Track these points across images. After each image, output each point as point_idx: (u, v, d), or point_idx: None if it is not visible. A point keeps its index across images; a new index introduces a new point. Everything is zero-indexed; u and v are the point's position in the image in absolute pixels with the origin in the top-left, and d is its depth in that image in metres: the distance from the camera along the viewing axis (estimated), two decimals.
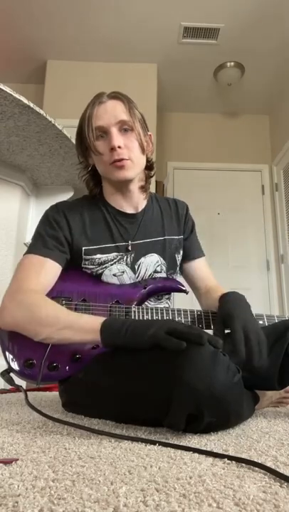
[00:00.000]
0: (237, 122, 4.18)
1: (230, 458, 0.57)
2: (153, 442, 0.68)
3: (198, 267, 1.23)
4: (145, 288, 1.06)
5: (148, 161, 1.13)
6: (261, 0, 2.89)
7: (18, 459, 0.57)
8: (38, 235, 1.05)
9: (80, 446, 0.66)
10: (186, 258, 1.21)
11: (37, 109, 1.43)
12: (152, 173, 1.17)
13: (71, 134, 1.61)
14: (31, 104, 1.41)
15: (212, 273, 1.24)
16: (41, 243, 1.03)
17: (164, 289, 1.10)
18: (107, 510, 0.39)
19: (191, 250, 1.22)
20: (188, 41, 3.28)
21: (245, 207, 3.99)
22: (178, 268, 1.17)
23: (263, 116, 4.20)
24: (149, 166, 1.14)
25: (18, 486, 0.46)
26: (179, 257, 1.17)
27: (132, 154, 1.03)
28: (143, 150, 1.07)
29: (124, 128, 1.03)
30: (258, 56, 3.41)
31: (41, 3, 2.99)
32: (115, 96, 1.05)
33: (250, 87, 3.79)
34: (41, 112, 1.45)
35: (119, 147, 1.00)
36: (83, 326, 0.85)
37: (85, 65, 3.56)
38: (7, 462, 0.55)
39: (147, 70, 3.56)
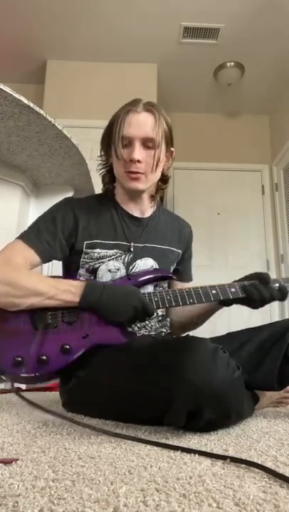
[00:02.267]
0: (237, 122, 4.18)
1: (230, 459, 0.57)
2: (151, 443, 0.68)
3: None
4: (136, 281, 1.05)
5: (164, 175, 1.16)
6: (261, 0, 2.89)
7: (18, 459, 0.57)
8: (36, 224, 1.08)
9: (80, 446, 0.66)
10: (181, 278, 1.24)
11: (37, 109, 1.43)
12: (165, 186, 1.19)
13: (71, 134, 1.61)
14: (31, 104, 1.40)
15: None
16: (34, 233, 1.06)
17: (154, 279, 1.11)
18: (107, 510, 0.39)
19: (185, 274, 1.26)
20: (188, 41, 3.28)
21: (245, 207, 3.98)
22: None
23: (263, 116, 4.20)
24: (164, 180, 1.17)
25: (18, 486, 0.46)
26: (171, 270, 1.20)
27: (148, 170, 1.06)
28: (160, 166, 1.09)
29: (148, 145, 1.05)
30: (258, 56, 3.41)
31: (41, 3, 2.99)
32: (149, 109, 1.07)
33: (250, 87, 3.79)
34: (41, 112, 1.45)
35: (138, 161, 1.03)
36: (63, 299, 0.94)
37: (85, 65, 3.56)
38: (7, 462, 0.55)
39: (147, 70, 3.56)
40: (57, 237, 1.05)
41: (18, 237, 1.06)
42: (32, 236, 1.05)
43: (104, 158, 1.16)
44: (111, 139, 1.07)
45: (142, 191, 1.10)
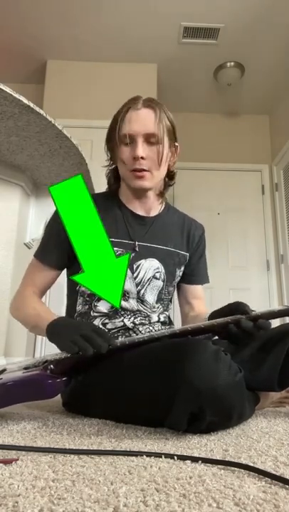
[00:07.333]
0: (237, 122, 4.18)
1: (223, 463, 0.57)
2: (148, 454, 0.67)
3: (199, 292, 1.25)
4: None
5: (170, 170, 1.15)
6: (261, 0, 2.89)
7: (18, 459, 0.57)
8: (44, 235, 1.14)
9: (80, 446, 0.66)
10: (191, 280, 1.22)
11: (37, 109, 1.43)
12: (172, 182, 1.18)
13: (71, 134, 1.61)
14: (31, 104, 1.41)
15: (205, 299, 1.27)
16: (42, 245, 1.12)
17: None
18: (107, 510, 0.39)
19: (199, 275, 1.24)
20: (188, 41, 3.28)
21: (245, 207, 3.99)
22: (174, 281, 1.18)
23: (263, 116, 4.20)
24: (170, 176, 1.16)
25: (18, 486, 0.46)
26: (179, 273, 1.18)
27: (152, 166, 1.05)
28: (165, 162, 1.09)
29: (151, 140, 1.04)
30: (258, 56, 3.41)
31: (41, 3, 2.99)
32: (149, 105, 1.06)
33: (250, 87, 3.79)
34: (41, 112, 1.45)
35: (142, 158, 1.02)
36: (43, 329, 0.95)
37: (85, 65, 3.56)
38: (7, 462, 0.55)
39: (147, 70, 3.56)
40: (64, 243, 1.07)
41: (35, 255, 1.14)
42: (40, 249, 1.12)
43: (109, 158, 1.16)
44: (114, 139, 1.07)
45: (148, 189, 1.10)
